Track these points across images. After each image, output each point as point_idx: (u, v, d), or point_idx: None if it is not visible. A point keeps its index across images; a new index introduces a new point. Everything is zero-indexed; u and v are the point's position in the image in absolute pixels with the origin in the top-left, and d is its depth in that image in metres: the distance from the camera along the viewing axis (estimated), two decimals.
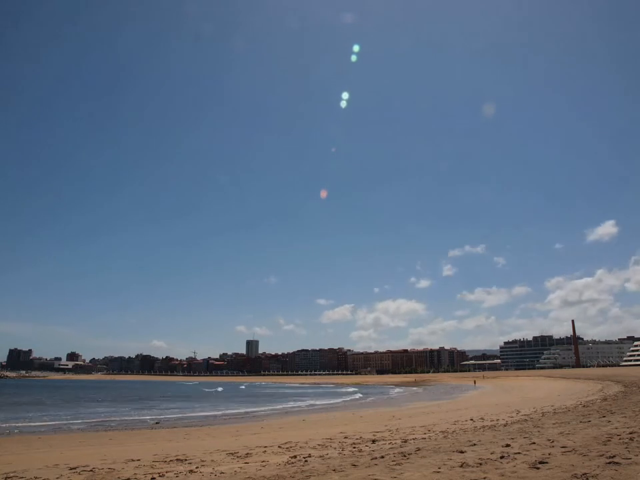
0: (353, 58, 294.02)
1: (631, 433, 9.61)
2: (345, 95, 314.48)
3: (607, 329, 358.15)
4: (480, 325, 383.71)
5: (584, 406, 20.63)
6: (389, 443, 12.10)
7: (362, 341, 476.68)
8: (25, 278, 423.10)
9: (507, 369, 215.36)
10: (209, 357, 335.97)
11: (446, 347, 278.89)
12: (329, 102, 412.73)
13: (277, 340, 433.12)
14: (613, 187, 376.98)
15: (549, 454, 7.91)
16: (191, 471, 9.38)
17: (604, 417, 13.93)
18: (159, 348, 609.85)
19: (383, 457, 8.94)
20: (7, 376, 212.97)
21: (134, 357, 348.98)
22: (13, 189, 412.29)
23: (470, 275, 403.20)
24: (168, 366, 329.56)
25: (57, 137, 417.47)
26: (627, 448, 7.98)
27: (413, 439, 12.61)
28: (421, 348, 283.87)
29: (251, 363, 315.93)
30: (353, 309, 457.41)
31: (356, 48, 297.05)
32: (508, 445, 9.15)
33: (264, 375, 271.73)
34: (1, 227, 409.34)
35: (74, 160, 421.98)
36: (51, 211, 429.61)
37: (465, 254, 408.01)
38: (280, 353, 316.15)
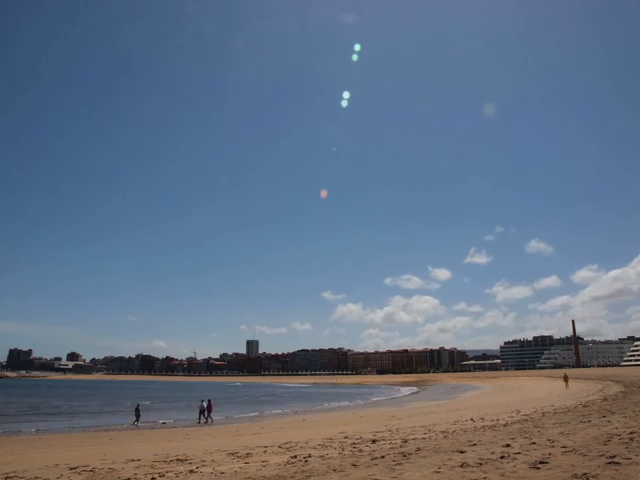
0: (354, 57, 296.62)
1: (631, 433, 9.60)
2: (346, 94, 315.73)
3: (630, 325, 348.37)
4: (496, 322, 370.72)
5: (584, 406, 20.62)
6: (389, 443, 12.09)
7: (370, 338, 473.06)
8: (26, 278, 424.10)
9: (507, 369, 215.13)
10: (209, 357, 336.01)
11: (446, 347, 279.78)
12: (329, 101, 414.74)
13: (283, 338, 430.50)
14: (612, 187, 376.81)
15: (549, 454, 7.90)
16: (191, 471, 9.37)
17: (604, 416, 13.92)
18: (159, 348, 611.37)
19: (383, 457, 8.93)
20: (7, 376, 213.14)
21: (134, 357, 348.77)
22: (13, 189, 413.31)
23: (485, 272, 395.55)
24: (168, 366, 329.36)
25: (57, 137, 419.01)
26: (627, 448, 7.98)
27: (413, 439, 12.60)
28: (421, 348, 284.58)
29: (251, 363, 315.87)
30: (362, 306, 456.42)
31: (357, 47, 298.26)
32: (508, 445, 9.14)
33: (264, 375, 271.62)
34: (2, 228, 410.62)
35: (74, 160, 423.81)
36: (52, 212, 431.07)
37: (489, 241, 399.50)
38: (280, 353, 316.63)
